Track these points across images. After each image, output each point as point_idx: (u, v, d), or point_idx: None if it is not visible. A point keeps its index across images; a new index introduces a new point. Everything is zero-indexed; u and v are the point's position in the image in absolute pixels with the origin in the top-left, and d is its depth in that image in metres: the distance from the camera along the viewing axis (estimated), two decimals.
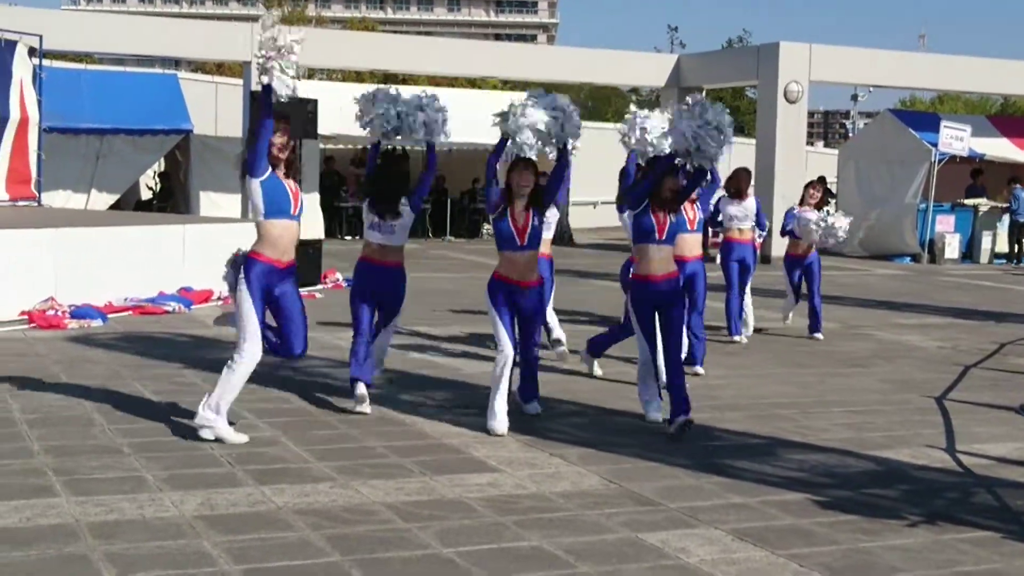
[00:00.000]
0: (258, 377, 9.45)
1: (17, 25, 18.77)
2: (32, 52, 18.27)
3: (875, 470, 7.21)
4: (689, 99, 7.88)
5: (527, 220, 7.83)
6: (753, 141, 27.39)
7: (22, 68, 18.01)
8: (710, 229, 15.29)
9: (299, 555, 5.26)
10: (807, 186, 13.44)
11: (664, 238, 7.94)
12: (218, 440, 7.21)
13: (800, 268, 13.02)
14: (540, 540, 5.57)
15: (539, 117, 7.89)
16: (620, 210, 8.65)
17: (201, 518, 5.74)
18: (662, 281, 7.94)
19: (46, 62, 19.24)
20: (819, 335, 12.79)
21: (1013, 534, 5.92)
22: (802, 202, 13.12)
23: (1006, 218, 25.46)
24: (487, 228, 27.53)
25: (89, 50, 28.01)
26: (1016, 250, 25.19)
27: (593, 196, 29.89)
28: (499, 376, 7.82)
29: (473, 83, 42.03)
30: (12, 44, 17.86)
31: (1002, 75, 28.05)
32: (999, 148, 26.30)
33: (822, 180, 15.16)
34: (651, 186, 7.93)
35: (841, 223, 12.62)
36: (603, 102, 59.27)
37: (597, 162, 27.68)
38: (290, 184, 7.35)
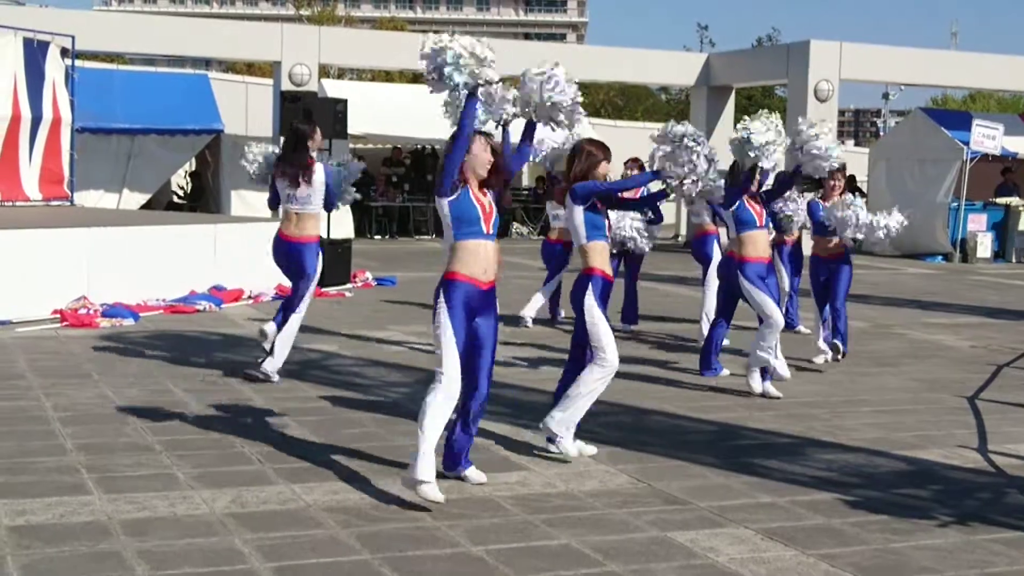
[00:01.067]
0: (288, 375, 9.52)
1: (49, 26, 18.93)
2: (64, 53, 18.42)
3: (906, 470, 7.17)
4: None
5: (490, 204, 6.39)
6: None
7: (55, 69, 18.16)
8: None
9: (329, 553, 5.28)
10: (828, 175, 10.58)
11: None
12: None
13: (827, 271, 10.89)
14: (569, 539, 5.57)
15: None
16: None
17: (232, 516, 5.77)
18: None
19: (78, 63, 19.39)
20: (826, 357, 10.82)
21: None
22: (823, 194, 11.08)
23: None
24: (516, 227, 27.53)
25: (120, 51, 28.24)
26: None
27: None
28: (434, 415, 6.09)
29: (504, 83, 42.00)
30: (45, 45, 18.01)
31: None
32: None
33: (851, 178, 14.71)
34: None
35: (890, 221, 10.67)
36: (633, 101, 59.17)
37: None
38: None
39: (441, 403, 6.06)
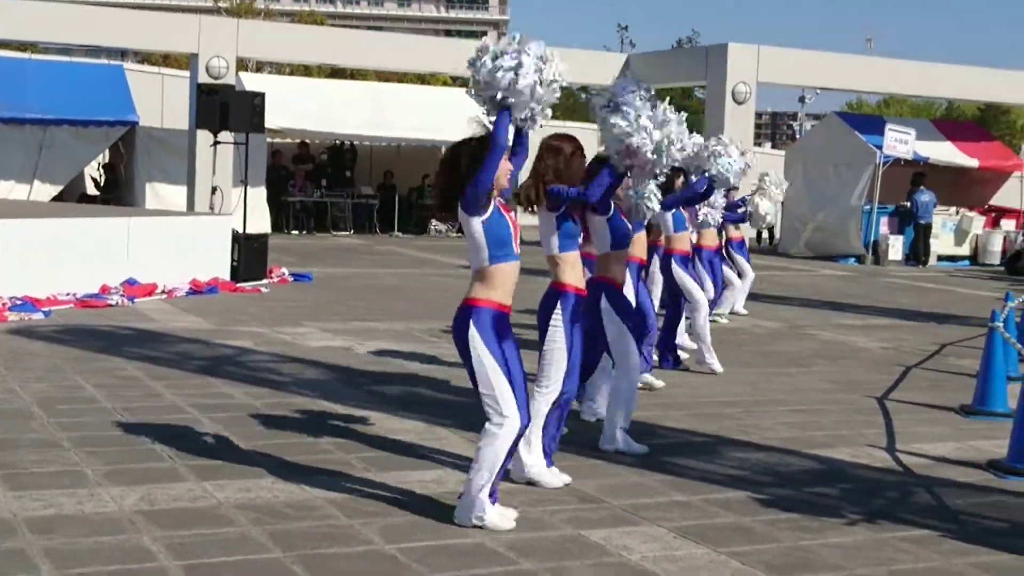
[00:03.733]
0: (202, 371, 9.41)
1: None
2: None
3: (817, 469, 7.27)
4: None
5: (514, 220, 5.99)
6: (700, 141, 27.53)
7: None
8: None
9: (240, 551, 5.22)
10: None
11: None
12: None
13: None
14: (483, 537, 5.56)
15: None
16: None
17: (141, 513, 5.68)
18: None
19: None
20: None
21: (951, 533, 5.99)
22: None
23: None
24: (434, 224, 27.48)
25: (35, 39, 27.66)
26: (929, 250, 25.39)
27: None
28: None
29: (423, 79, 41.94)
30: None
31: (947, 79, 28.39)
32: (943, 152, 26.66)
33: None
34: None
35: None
36: None
37: None
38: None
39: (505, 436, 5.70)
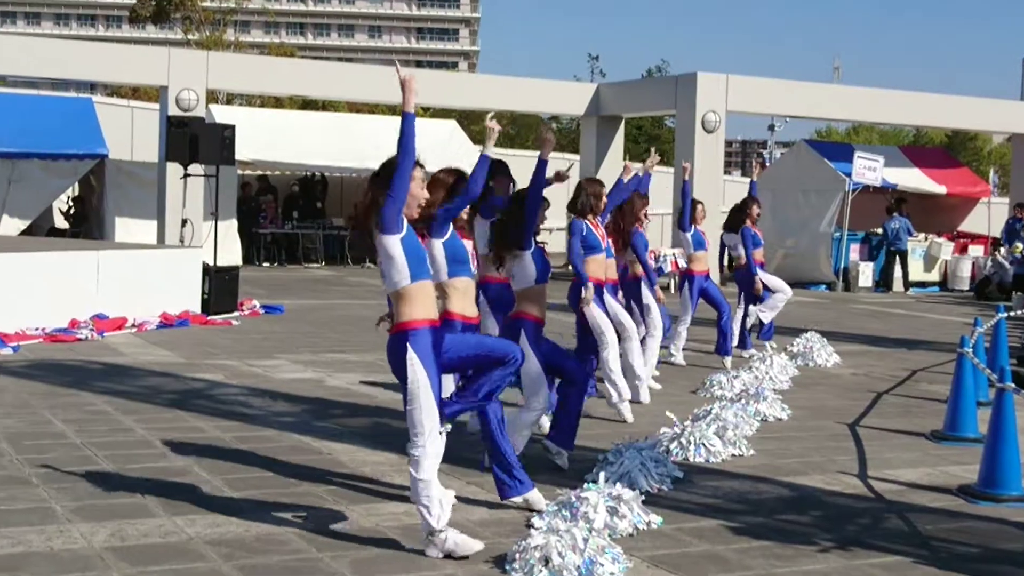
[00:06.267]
0: (172, 405, 9.35)
1: None
2: None
3: (789, 496, 7.28)
4: None
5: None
6: (672, 170, 27.67)
7: None
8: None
9: None
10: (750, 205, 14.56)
11: None
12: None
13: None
14: (455, 568, 5.54)
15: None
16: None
17: (111, 549, 5.63)
18: None
19: None
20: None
21: (923, 558, 6.00)
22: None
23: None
24: None
25: (2, 73, 27.58)
26: (893, 276, 25.47)
27: None
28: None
29: (394, 110, 42.01)
30: None
31: (914, 107, 28.62)
32: (911, 178, 26.85)
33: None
34: None
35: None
36: (525, 130, 59.53)
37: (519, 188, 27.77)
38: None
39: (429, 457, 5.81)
